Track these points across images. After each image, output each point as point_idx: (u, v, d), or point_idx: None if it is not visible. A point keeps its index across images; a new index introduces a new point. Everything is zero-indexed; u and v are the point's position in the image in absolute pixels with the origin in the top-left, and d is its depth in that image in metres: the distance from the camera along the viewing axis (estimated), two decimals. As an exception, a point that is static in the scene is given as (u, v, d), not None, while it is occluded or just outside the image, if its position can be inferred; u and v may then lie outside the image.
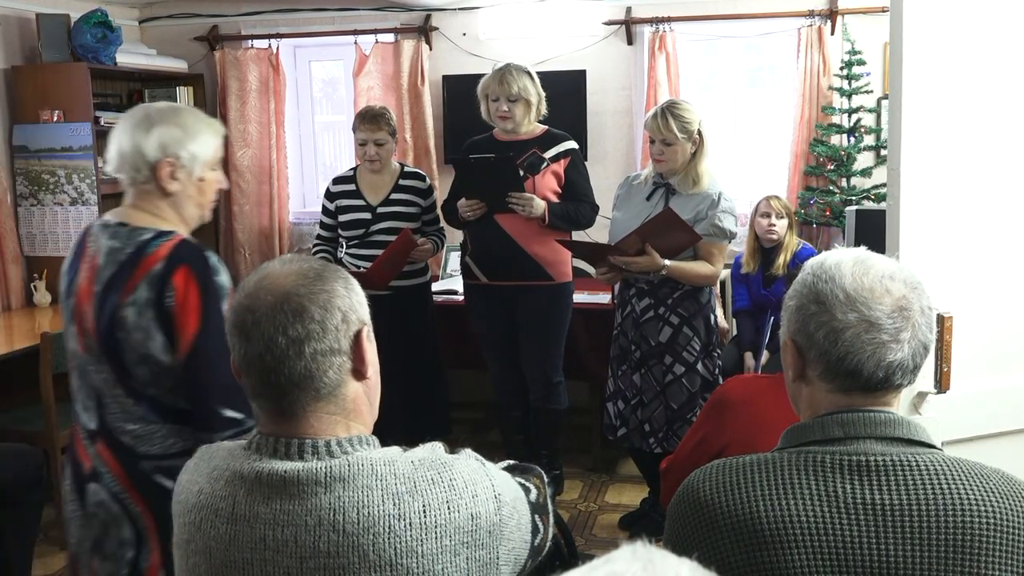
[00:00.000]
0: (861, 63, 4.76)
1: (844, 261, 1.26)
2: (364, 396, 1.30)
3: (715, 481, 1.27)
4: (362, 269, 3.85)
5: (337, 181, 4.13)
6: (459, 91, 5.10)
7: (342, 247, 4.13)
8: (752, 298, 4.44)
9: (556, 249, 3.72)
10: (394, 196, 4.01)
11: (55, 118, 4.71)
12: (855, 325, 1.22)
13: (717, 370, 3.52)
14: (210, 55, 5.72)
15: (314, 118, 6.04)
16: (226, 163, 5.69)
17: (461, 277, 4.08)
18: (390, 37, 5.50)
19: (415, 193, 4.05)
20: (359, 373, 1.28)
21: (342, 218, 4.04)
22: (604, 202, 3.88)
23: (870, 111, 4.90)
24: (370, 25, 5.52)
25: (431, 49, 5.46)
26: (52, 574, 3.57)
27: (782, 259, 4.28)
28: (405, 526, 1.18)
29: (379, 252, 3.84)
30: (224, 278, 1.90)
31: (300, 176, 6.01)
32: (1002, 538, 1.18)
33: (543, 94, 3.75)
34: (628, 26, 5.22)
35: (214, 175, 2.05)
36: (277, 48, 5.61)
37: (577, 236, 3.89)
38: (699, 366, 3.44)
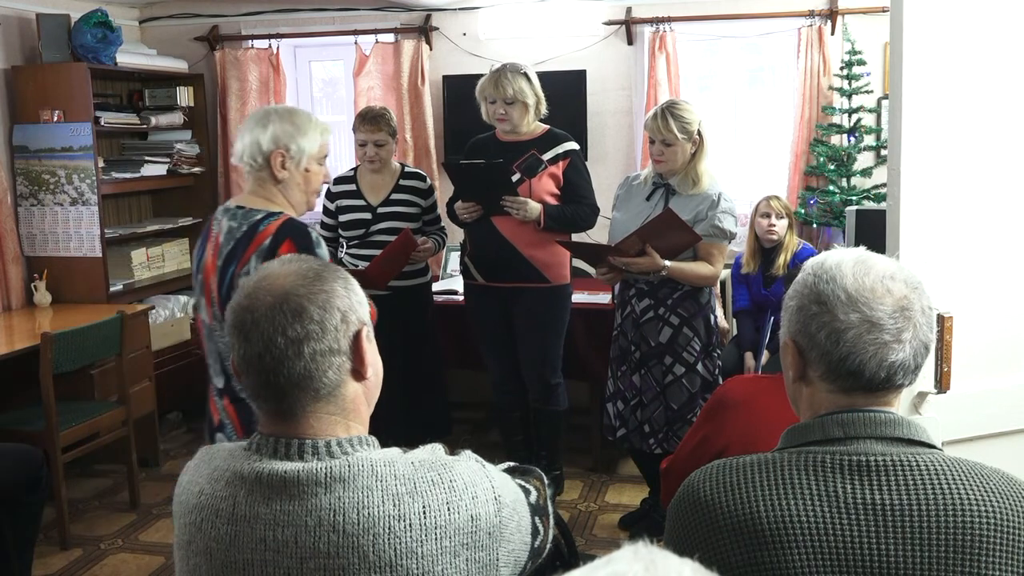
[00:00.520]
0: (861, 63, 4.75)
1: (845, 261, 1.26)
2: (363, 396, 1.30)
3: (715, 481, 1.27)
4: (361, 268, 3.85)
5: (337, 181, 4.13)
6: (459, 91, 5.10)
7: (342, 247, 4.13)
8: (752, 298, 4.44)
9: (553, 252, 3.71)
10: (394, 196, 4.00)
11: (55, 118, 4.71)
12: (857, 325, 1.22)
13: (717, 370, 3.51)
14: (210, 55, 5.72)
15: (314, 118, 6.03)
16: (226, 163, 5.70)
17: (461, 277, 4.09)
18: (390, 37, 5.50)
19: (415, 193, 4.04)
20: (358, 374, 1.28)
21: (342, 218, 4.04)
22: (604, 202, 3.88)
23: (870, 111, 4.90)
24: (370, 25, 5.52)
25: (431, 49, 5.46)
26: (52, 574, 3.57)
27: (782, 259, 4.28)
28: (405, 527, 1.18)
29: (379, 252, 3.83)
30: (323, 251, 2.21)
31: (300, 176, 6.00)
32: (1002, 538, 1.18)
33: (542, 94, 3.73)
34: (628, 26, 5.22)
35: (319, 168, 2.37)
36: (277, 48, 5.61)
37: (577, 236, 3.89)
38: (699, 366, 3.43)
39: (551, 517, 1.48)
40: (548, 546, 1.44)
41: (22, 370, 3.85)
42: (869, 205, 4.74)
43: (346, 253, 4.08)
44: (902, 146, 2.02)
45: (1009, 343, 2.15)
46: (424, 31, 5.42)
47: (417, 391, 4.03)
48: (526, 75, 3.67)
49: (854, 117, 4.83)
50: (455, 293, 4.55)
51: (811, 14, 4.97)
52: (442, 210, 4.13)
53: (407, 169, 4.14)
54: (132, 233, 5.29)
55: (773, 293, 4.27)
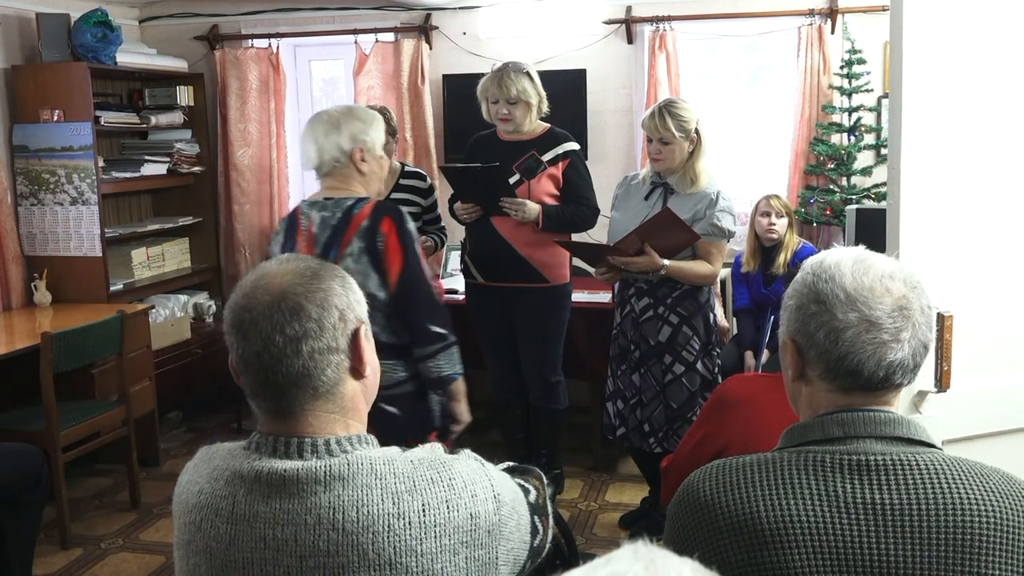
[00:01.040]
0: (861, 62, 4.75)
1: (844, 260, 1.26)
2: (362, 395, 1.30)
3: (715, 481, 1.27)
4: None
5: (337, 180, 4.12)
6: (459, 90, 5.10)
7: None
8: (752, 297, 4.44)
9: (552, 252, 3.71)
10: (395, 195, 4.00)
11: (55, 118, 4.71)
12: (856, 325, 1.22)
13: (716, 369, 3.51)
14: (210, 55, 5.72)
15: (314, 117, 6.03)
16: (226, 162, 5.70)
17: (462, 276, 4.08)
18: (390, 36, 5.50)
19: (416, 192, 4.04)
20: (357, 372, 1.28)
21: (342, 217, 4.03)
22: (604, 201, 3.88)
23: (870, 110, 4.89)
24: (370, 24, 5.52)
25: (431, 48, 5.46)
26: (52, 573, 3.57)
27: (782, 258, 4.28)
28: (404, 525, 1.18)
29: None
30: (412, 226, 2.51)
31: (300, 176, 6.00)
32: (1002, 538, 1.18)
33: (543, 93, 3.72)
34: (628, 25, 5.22)
35: (384, 156, 2.67)
36: (277, 47, 5.61)
37: (576, 236, 3.89)
38: (698, 365, 3.43)
39: (550, 517, 1.48)
40: (548, 545, 1.44)
41: (22, 370, 3.85)
42: (869, 204, 4.73)
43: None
44: (902, 145, 2.02)
45: (1009, 342, 2.15)
46: (424, 30, 5.42)
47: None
48: (528, 74, 3.67)
49: (854, 116, 4.83)
50: (455, 292, 4.55)
51: (811, 13, 4.97)
52: (442, 209, 4.13)
53: (407, 168, 4.14)
54: (132, 232, 5.29)
55: (773, 292, 4.27)
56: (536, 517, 1.38)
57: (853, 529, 1.18)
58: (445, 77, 5.40)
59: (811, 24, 4.96)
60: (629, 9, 5.21)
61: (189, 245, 5.76)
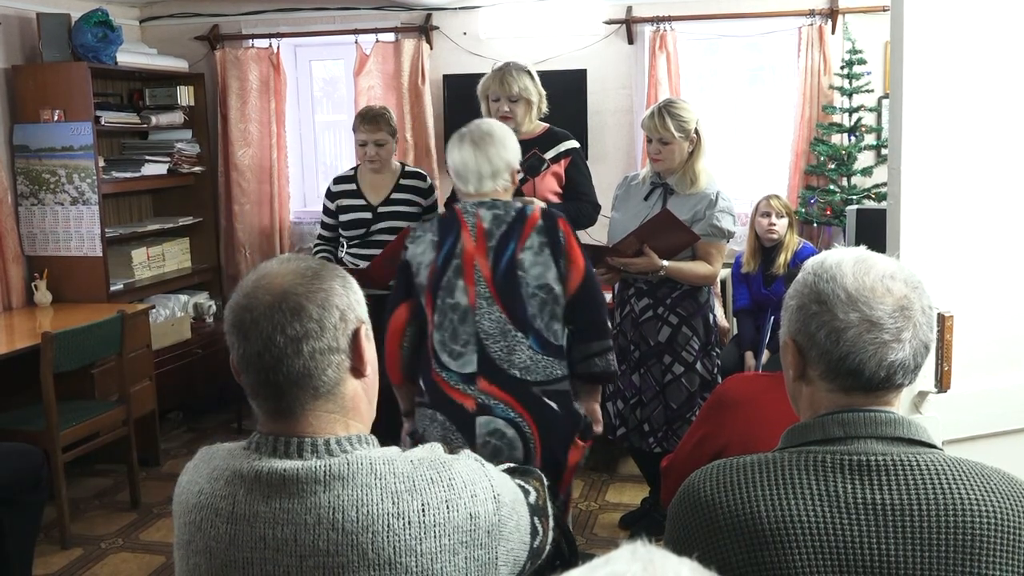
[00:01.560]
0: (862, 62, 4.75)
1: (845, 261, 1.26)
2: (363, 394, 1.30)
3: (716, 481, 1.27)
4: (362, 267, 3.85)
5: (338, 181, 4.13)
6: (460, 90, 5.10)
7: (343, 247, 4.13)
8: (753, 297, 4.44)
9: None
10: (395, 196, 4.00)
11: (56, 117, 4.71)
12: (857, 325, 1.22)
13: (716, 369, 3.51)
14: (211, 54, 5.72)
15: (315, 117, 6.05)
16: (226, 162, 5.71)
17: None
18: (391, 36, 5.50)
19: (416, 193, 4.04)
20: (358, 371, 1.28)
21: (343, 218, 4.04)
22: (605, 201, 3.88)
23: (871, 110, 4.89)
24: (371, 24, 5.52)
25: (432, 48, 5.46)
26: (52, 573, 3.57)
27: (783, 258, 4.28)
28: (404, 525, 1.18)
29: (380, 252, 3.83)
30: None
31: (301, 176, 6.02)
32: (1003, 538, 1.18)
33: (543, 93, 3.73)
34: (629, 25, 5.22)
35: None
36: (278, 47, 5.61)
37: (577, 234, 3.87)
38: (698, 365, 3.43)
39: (551, 518, 1.48)
40: (548, 547, 1.44)
41: (22, 370, 3.85)
42: (869, 204, 4.73)
43: (347, 253, 4.08)
44: (902, 145, 2.02)
45: (1010, 343, 2.15)
46: (424, 30, 5.42)
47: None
48: (529, 73, 3.68)
49: (854, 116, 4.83)
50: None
51: (811, 13, 4.97)
52: (442, 210, 4.13)
53: (407, 168, 4.14)
54: (132, 232, 5.29)
55: (773, 292, 4.27)
56: (536, 518, 1.38)
57: (854, 529, 1.18)
58: (446, 77, 5.40)
59: (811, 24, 4.96)
60: (629, 9, 5.21)
61: (189, 245, 5.77)
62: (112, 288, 4.88)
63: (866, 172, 4.88)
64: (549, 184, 3.70)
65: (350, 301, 1.27)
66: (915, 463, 1.21)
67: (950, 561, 1.17)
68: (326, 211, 4.13)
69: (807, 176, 5.06)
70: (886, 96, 4.74)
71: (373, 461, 1.22)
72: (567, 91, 5.01)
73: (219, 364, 5.19)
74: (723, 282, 4.76)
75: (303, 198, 6.01)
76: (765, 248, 4.38)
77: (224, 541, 1.21)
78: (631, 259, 3.31)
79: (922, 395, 2.05)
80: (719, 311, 3.97)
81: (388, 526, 1.18)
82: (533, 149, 3.71)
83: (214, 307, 5.63)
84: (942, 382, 2.02)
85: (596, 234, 4.17)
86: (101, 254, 4.81)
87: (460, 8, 5.40)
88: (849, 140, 4.87)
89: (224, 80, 5.66)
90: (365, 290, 1.33)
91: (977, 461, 1.26)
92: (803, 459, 1.23)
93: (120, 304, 4.63)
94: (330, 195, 4.11)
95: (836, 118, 4.89)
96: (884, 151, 4.85)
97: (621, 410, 3.56)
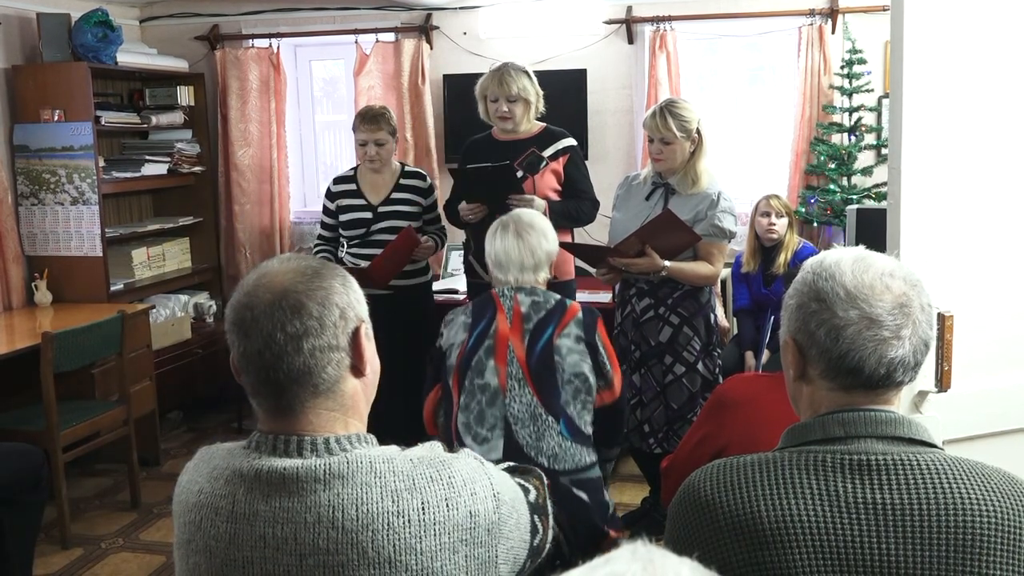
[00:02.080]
0: (862, 62, 4.75)
1: (844, 259, 1.26)
2: (362, 394, 1.30)
3: (716, 480, 1.27)
4: (363, 266, 3.84)
5: (338, 181, 4.13)
6: (460, 90, 5.10)
7: (343, 247, 4.13)
8: (753, 297, 4.44)
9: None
10: (395, 195, 4.00)
11: (56, 117, 4.71)
12: (856, 322, 1.22)
13: (717, 369, 3.51)
14: (211, 54, 5.72)
15: (315, 117, 6.05)
16: (227, 162, 5.71)
17: (464, 276, 4.08)
18: (391, 36, 5.51)
19: (416, 192, 4.04)
20: (357, 370, 1.28)
21: (343, 218, 4.04)
22: (605, 201, 3.88)
23: (871, 110, 4.89)
24: (371, 24, 5.52)
25: (432, 48, 5.46)
26: (52, 574, 3.57)
27: (783, 258, 4.28)
28: (404, 523, 1.18)
29: (380, 252, 3.83)
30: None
31: (301, 175, 6.02)
32: (1003, 538, 1.18)
33: (540, 92, 3.74)
34: (629, 25, 5.22)
35: None
36: (278, 47, 5.61)
37: (578, 235, 3.88)
38: (699, 366, 3.43)
39: (550, 516, 1.48)
40: (548, 545, 1.44)
41: (22, 370, 3.85)
42: (869, 204, 4.73)
43: (347, 253, 4.08)
44: (903, 145, 2.02)
45: (1009, 342, 2.15)
46: (424, 30, 5.42)
47: (417, 391, 4.02)
48: (527, 73, 3.69)
49: (854, 116, 4.83)
50: (456, 292, 4.55)
51: (812, 13, 4.97)
52: (441, 210, 4.13)
53: (407, 168, 4.14)
54: (133, 232, 5.29)
55: (773, 292, 4.27)
56: (536, 516, 1.38)
57: (854, 529, 1.18)
58: (446, 77, 5.40)
59: (811, 24, 4.96)
60: (629, 9, 5.21)
61: (189, 245, 5.77)
62: (112, 288, 4.88)
63: (866, 172, 4.88)
64: (548, 182, 3.70)
65: (350, 300, 1.27)
66: (915, 463, 1.21)
67: (950, 561, 1.17)
68: (326, 211, 4.13)
69: (807, 176, 5.06)
70: (886, 96, 4.74)
71: (373, 460, 1.22)
72: (567, 91, 5.01)
73: (219, 364, 5.20)
74: (723, 282, 4.76)
75: (303, 198, 6.02)
76: (765, 248, 4.37)
77: (224, 540, 1.21)
78: (633, 259, 3.31)
79: (922, 395, 2.05)
80: (719, 311, 3.97)
81: (388, 524, 1.18)
82: (532, 147, 3.72)
83: (214, 307, 5.63)
84: (942, 382, 2.02)
85: (596, 234, 4.18)
86: (101, 254, 4.81)
87: (460, 8, 5.40)
88: (849, 140, 4.87)
89: (224, 80, 5.66)
90: (365, 290, 1.33)
91: (977, 461, 1.26)
92: (803, 459, 1.23)
93: (120, 304, 4.63)
94: (330, 195, 4.11)
95: (836, 118, 4.89)
96: (884, 151, 4.85)
97: (621, 410, 3.56)
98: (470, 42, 5.42)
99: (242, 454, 1.26)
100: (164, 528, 3.94)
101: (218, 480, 1.25)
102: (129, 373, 4.17)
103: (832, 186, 4.88)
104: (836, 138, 4.93)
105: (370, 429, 1.32)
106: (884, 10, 4.68)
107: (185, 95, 5.52)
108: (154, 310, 4.95)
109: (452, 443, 2.54)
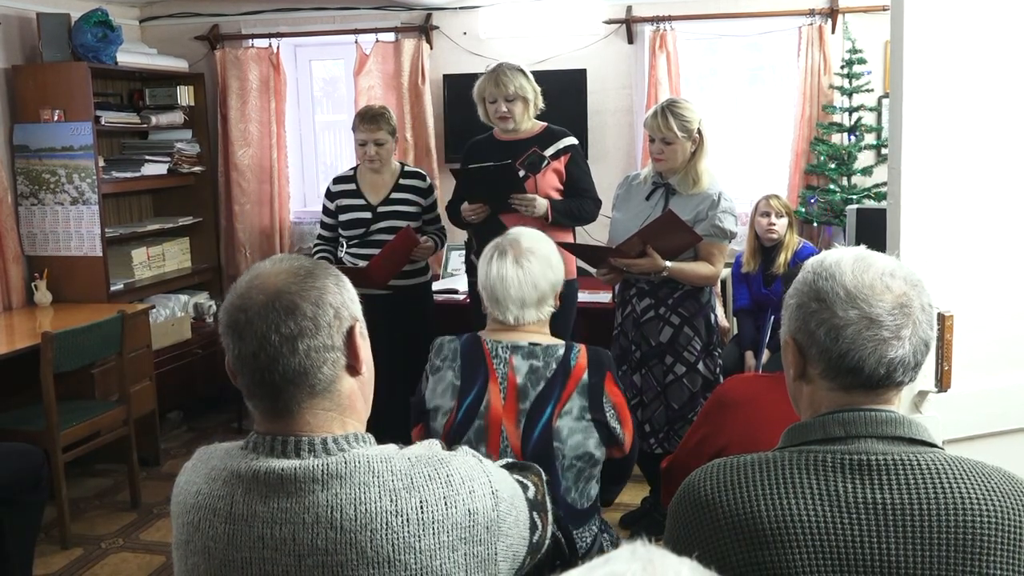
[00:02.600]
0: (862, 62, 4.75)
1: (844, 259, 1.26)
2: (359, 392, 1.30)
3: (716, 480, 1.26)
4: (361, 265, 3.84)
5: (337, 181, 4.13)
6: (460, 90, 5.10)
7: (342, 247, 4.13)
8: (753, 297, 4.44)
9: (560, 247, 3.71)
10: (395, 195, 4.00)
11: (56, 117, 4.71)
12: (856, 322, 1.22)
13: (718, 369, 3.51)
14: (211, 54, 5.72)
15: (315, 117, 6.05)
16: (226, 162, 5.71)
17: (465, 275, 4.08)
18: (391, 36, 5.50)
19: (416, 192, 4.04)
20: (353, 369, 1.28)
21: (342, 218, 4.04)
22: (606, 201, 3.88)
23: (871, 110, 4.89)
24: (371, 24, 5.52)
25: (432, 48, 5.46)
26: (52, 574, 3.57)
27: (783, 258, 4.28)
28: (402, 522, 1.18)
29: (379, 252, 3.83)
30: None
31: (301, 175, 6.02)
32: (1004, 537, 1.18)
33: (538, 89, 3.73)
34: (629, 25, 5.22)
35: None
36: (278, 47, 5.61)
37: (579, 235, 3.88)
38: (700, 366, 3.43)
39: (550, 513, 1.48)
40: (547, 542, 1.44)
41: (22, 370, 3.85)
42: (869, 204, 4.73)
43: (346, 253, 4.08)
44: (903, 145, 2.02)
45: (1009, 342, 2.15)
46: (424, 30, 5.42)
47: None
48: (523, 71, 3.69)
49: (854, 116, 4.83)
50: (455, 292, 4.55)
51: (812, 13, 4.97)
52: (441, 211, 4.13)
53: (407, 168, 4.14)
54: (132, 232, 5.29)
55: (773, 292, 4.27)
56: (535, 513, 1.38)
57: (854, 529, 1.18)
58: (446, 77, 5.40)
59: (811, 24, 4.96)
60: (629, 9, 5.21)
61: (189, 245, 5.77)
62: (112, 288, 4.88)
63: (866, 172, 4.88)
64: (550, 181, 3.70)
65: (344, 299, 1.27)
66: (916, 462, 1.21)
67: (951, 560, 1.17)
68: (326, 211, 4.13)
69: (807, 176, 5.06)
70: (886, 96, 4.74)
71: (371, 459, 1.22)
72: (567, 91, 5.01)
73: (219, 364, 5.18)
74: (723, 282, 4.76)
75: (303, 198, 6.02)
76: (765, 248, 4.37)
77: (222, 541, 1.21)
78: (634, 260, 3.31)
79: (922, 394, 2.05)
80: (719, 311, 3.97)
81: (386, 524, 1.18)
82: (533, 147, 3.71)
83: (214, 307, 5.63)
84: (942, 381, 2.02)
85: (597, 234, 4.18)
86: (101, 254, 4.81)
87: (460, 8, 5.40)
88: (849, 140, 4.87)
89: (224, 80, 5.66)
90: (364, 290, 1.33)
91: (978, 460, 1.26)
92: (803, 458, 1.23)
93: (120, 304, 4.63)
94: (330, 195, 4.11)
95: (836, 118, 4.89)
96: (884, 151, 4.85)
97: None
98: (470, 42, 5.42)
99: (240, 455, 1.26)
100: (164, 528, 3.94)
101: (216, 481, 1.25)
102: (129, 373, 4.17)
103: (832, 186, 4.88)
104: (836, 138, 4.93)
105: (370, 428, 1.32)
106: (884, 10, 4.68)
107: (185, 95, 5.52)
108: (154, 310, 4.95)
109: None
